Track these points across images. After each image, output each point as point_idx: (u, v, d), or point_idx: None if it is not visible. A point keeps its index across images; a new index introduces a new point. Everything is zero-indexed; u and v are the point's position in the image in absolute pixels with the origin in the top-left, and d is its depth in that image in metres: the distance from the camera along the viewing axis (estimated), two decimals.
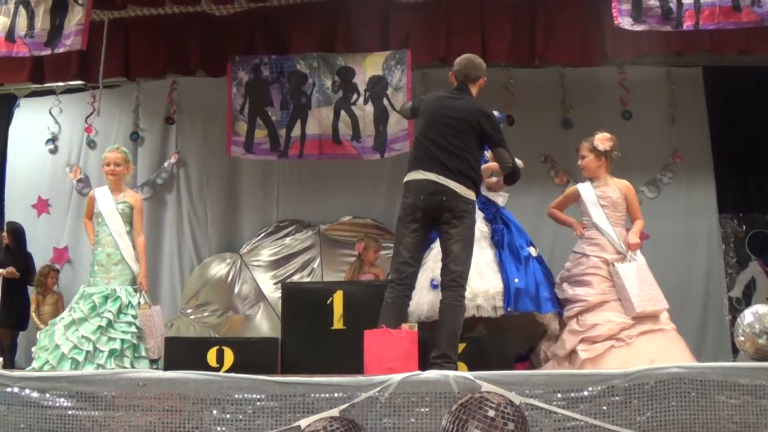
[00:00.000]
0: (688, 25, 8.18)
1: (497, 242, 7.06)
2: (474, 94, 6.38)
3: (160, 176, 11.22)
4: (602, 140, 7.26)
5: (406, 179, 6.13)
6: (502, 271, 6.92)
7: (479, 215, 7.14)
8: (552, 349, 6.99)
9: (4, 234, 10.58)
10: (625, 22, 8.27)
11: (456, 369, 5.53)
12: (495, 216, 7.23)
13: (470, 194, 5.99)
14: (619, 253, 7.04)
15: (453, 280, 5.87)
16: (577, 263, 7.19)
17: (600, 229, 7.16)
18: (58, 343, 7.12)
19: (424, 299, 6.82)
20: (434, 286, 6.73)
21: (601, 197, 7.24)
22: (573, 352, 6.77)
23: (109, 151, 7.87)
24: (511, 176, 6.40)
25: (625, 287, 6.80)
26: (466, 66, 6.44)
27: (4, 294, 9.98)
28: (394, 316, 5.85)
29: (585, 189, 7.40)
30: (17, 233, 10.67)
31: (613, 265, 6.95)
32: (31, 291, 10.65)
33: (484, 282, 6.80)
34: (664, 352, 6.51)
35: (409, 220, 6.03)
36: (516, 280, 6.84)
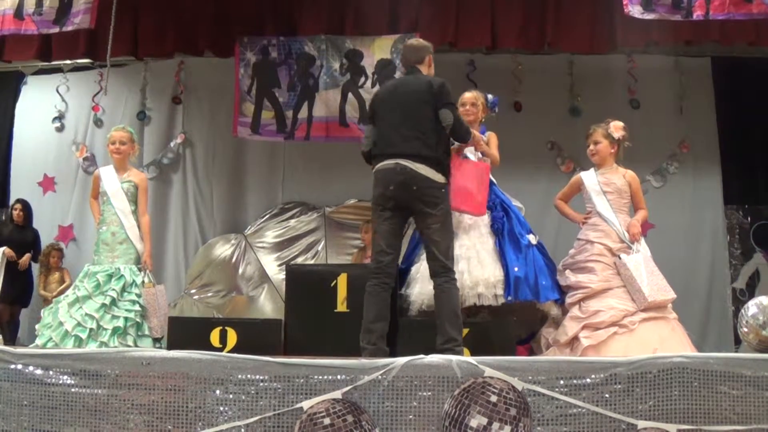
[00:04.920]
0: (698, 14, 8.18)
1: (497, 230, 7.05)
2: (426, 72, 6.35)
3: (167, 156, 11.23)
4: (617, 128, 7.25)
5: (374, 169, 6.15)
6: (502, 259, 6.92)
7: None
8: (553, 335, 6.98)
9: (17, 210, 10.60)
10: (635, 11, 8.27)
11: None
12: (494, 203, 7.20)
13: (440, 178, 5.96)
14: (622, 242, 7.02)
15: (441, 267, 5.89)
16: (582, 249, 7.17)
17: (603, 217, 7.15)
18: (61, 321, 7.13)
19: (425, 289, 6.77)
20: None
21: (605, 184, 7.22)
22: (575, 339, 6.75)
23: (115, 130, 7.87)
24: (453, 133, 6.15)
25: (634, 278, 6.75)
26: (405, 54, 6.57)
27: (6, 270, 10.02)
28: (374, 304, 5.93)
29: (588, 177, 7.39)
30: (28, 210, 10.72)
31: (620, 257, 6.93)
32: (36, 268, 10.69)
33: (485, 270, 6.79)
34: (665, 340, 6.51)
35: (381, 210, 6.07)
36: (516, 269, 6.83)
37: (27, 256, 10.33)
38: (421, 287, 6.82)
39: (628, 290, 6.84)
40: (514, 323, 6.79)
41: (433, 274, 5.95)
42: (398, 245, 6.22)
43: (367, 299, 5.96)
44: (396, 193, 5.94)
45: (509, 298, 6.75)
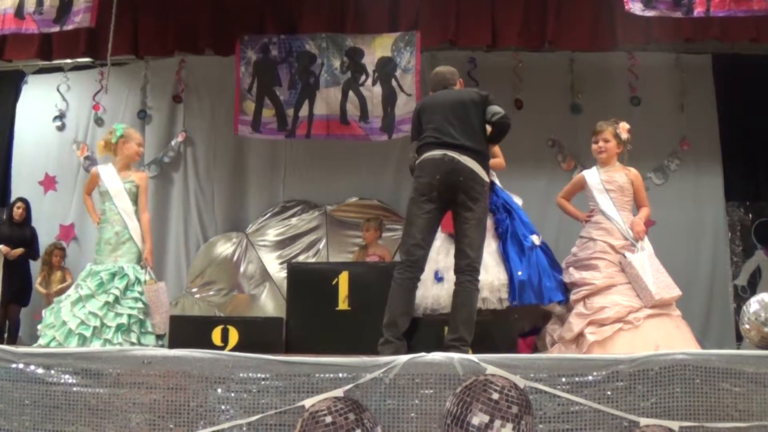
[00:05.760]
0: (698, 11, 8.18)
1: (501, 235, 7.03)
2: None
3: (167, 155, 11.23)
4: (624, 130, 7.24)
5: (421, 158, 6.08)
6: (506, 262, 6.90)
7: None
8: (559, 332, 6.96)
9: (20, 209, 10.61)
10: (636, 8, 8.27)
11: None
12: (497, 205, 7.17)
13: (484, 176, 5.98)
14: (625, 239, 6.99)
15: (468, 265, 5.89)
16: (584, 247, 7.15)
17: (606, 215, 7.12)
18: (65, 320, 7.13)
19: (428, 292, 6.77)
20: (438, 279, 6.74)
21: (607, 182, 7.19)
22: (580, 335, 6.72)
23: (136, 133, 7.96)
24: (497, 125, 6.14)
25: (640, 277, 6.71)
26: (436, 80, 6.62)
27: (4, 269, 10.02)
28: (403, 298, 5.88)
29: (591, 175, 7.37)
30: (30, 209, 10.75)
31: (624, 256, 6.90)
32: (35, 266, 10.69)
33: (489, 274, 6.74)
34: (669, 336, 6.49)
35: (423, 200, 5.97)
36: (519, 273, 6.79)
37: (20, 249, 10.32)
38: (424, 291, 6.79)
39: (633, 287, 6.83)
40: (515, 319, 6.79)
41: (459, 271, 5.93)
42: (432, 241, 6.20)
43: (396, 291, 5.89)
44: (442, 182, 5.92)
45: (514, 302, 6.73)
